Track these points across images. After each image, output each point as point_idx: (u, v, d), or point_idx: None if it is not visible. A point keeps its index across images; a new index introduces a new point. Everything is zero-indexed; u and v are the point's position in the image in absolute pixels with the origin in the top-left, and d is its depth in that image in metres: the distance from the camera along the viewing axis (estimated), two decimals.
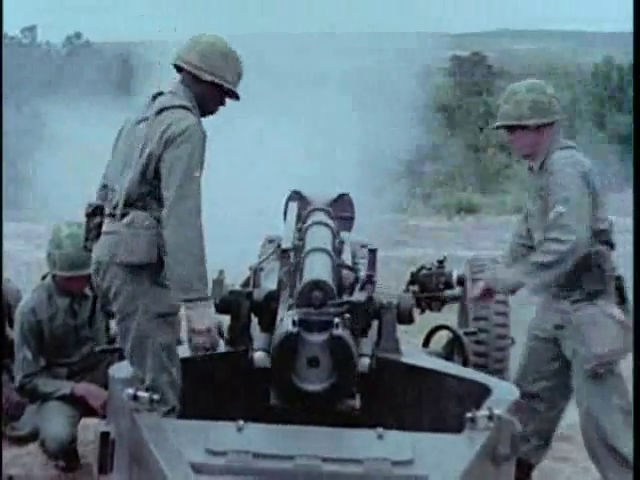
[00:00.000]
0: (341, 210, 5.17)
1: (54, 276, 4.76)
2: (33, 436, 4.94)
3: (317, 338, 3.59)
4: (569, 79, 51.65)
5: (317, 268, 3.96)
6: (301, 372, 3.59)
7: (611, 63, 50.83)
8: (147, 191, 3.62)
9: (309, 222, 4.74)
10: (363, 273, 4.16)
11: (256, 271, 4.40)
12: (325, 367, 3.58)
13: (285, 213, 5.27)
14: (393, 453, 3.15)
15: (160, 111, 3.62)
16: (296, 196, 5.30)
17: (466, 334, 4.87)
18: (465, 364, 4.58)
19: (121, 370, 3.91)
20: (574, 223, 3.92)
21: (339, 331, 3.58)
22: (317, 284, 3.75)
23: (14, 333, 4.85)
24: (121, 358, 4.49)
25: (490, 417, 3.28)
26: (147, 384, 3.64)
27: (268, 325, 4.01)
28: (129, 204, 3.62)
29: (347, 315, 3.71)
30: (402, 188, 25.40)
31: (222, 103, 3.82)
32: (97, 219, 3.77)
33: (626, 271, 4.25)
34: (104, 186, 3.86)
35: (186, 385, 3.79)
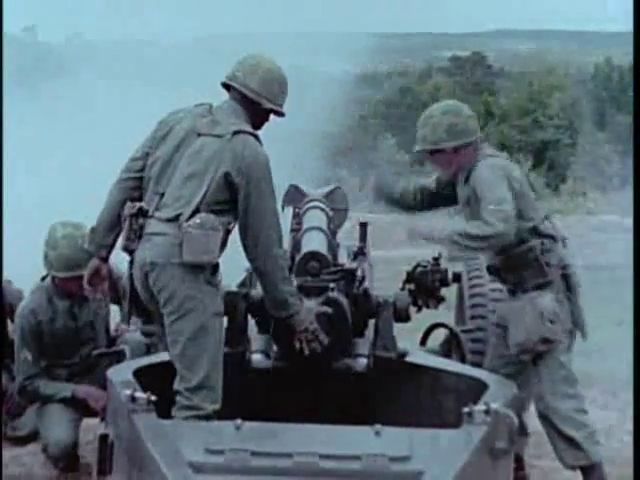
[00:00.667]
0: (335, 202, 5.25)
1: (53, 278, 4.77)
2: (33, 436, 4.95)
3: (314, 301, 3.95)
4: (569, 79, 51.68)
5: (313, 242, 4.33)
6: None
7: (611, 63, 50.85)
8: (215, 204, 3.72)
9: (305, 207, 4.97)
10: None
11: (252, 272, 4.43)
12: (322, 327, 3.89)
13: (282, 207, 5.34)
14: (390, 449, 3.15)
15: (235, 133, 3.75)
16: (293, 189, 5.39)
17: (463, 332, 4.88)
18: (462, 362, 4.60)
19: (119, 373, 3.93)
20: (502, 215, 3.98)
21: (334, 294, 4.00)
22: (313, 255, 4.16)
23: (14, 335, 4.85)
24: (119, 361, 4.51)
25: (487, 411, 3.29)
26: (195, 383, 3.67)
27: (265, 326, 4.10)
28: (196, 211, 3.70)
29: (341, 282, 4.11)
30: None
31: (267, 120, 4.00)
32: (141, 220, 3.79)
33: (626, 270, 4.27)
34: (128, 177, 3.93)
35: None
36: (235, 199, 3.74)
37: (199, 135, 3.80)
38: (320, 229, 4.56)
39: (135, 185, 3.90)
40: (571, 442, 4.11)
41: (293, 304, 3.82)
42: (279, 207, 4.60)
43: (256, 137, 3.81)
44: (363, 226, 4.72)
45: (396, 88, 55.16)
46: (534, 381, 4.20)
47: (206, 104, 3.91)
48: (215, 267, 3.77)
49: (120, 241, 3.87)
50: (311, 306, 3.91)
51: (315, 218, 4.75)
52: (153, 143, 3.91)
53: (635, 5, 5.18)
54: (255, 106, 3.88)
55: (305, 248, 4.30)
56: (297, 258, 4.24)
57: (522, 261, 4.17)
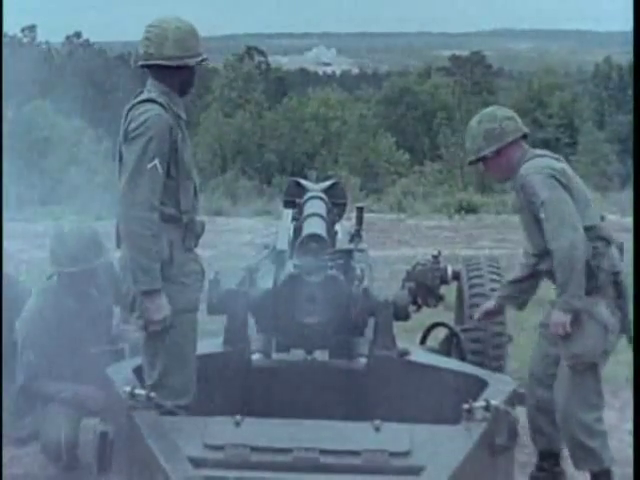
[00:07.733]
0: (335, 197, 5.31)
1: (60, 275, 4.76)
2: (33, 437, 4.95)
3: (314, 278, 4.15)
4: (569, 79, 51.75)
5: (313, 226, 4.51)
6: (301, 308, 4.13)
7: (611, 63, 50.88)
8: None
9: (306, 197, 5.13)
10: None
11: (252, 271, 4.47)
12: (321, 303, 4.12)
13: (285, 202, 5.41)
14: (390, 444, 3.17)
15: (129, 110, 3.70)
16: (294, 184, 5.45)
17: (463, 331, 4.88)
18: (462, 361, 4.60)
19: (119, 371, 3.93)
20: (557, 224, 3.97)
21: (333, 272, 4.19)
22: (313, 237, 4.33)
23: (18, 335, 4.84)
24: (118, 360, 4.52)
25: (487, 408, 3.30)
26: (153, 380, 3.67)
27: (265, 325, 4.11)
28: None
29: (339, 262, 4.38)
30: (402, 188, 25.44)
31: (194, 75, 3.84)
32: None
33: (626, 270, 4.26)
34: None
35: None
36: None
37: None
38: (320, 215, 4.70)
39: None
40: (589, 451, 4.14)
41: (142, 281, 3.57)
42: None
43: (151, 101, 3.66)
44: (359, 210, 5.10)
45: (396, 88, 55.18)
46: (561, 389, 4.15)
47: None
48: (171, 262, 3.66)
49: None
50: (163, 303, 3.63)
51: (315, 206, 4.91)
52: None
53: (635, 5, 5.18)
54: (179, 69, 3.73)
55: (306, 231, 4.42)
56: (298, 241, 4.35)
57: None
